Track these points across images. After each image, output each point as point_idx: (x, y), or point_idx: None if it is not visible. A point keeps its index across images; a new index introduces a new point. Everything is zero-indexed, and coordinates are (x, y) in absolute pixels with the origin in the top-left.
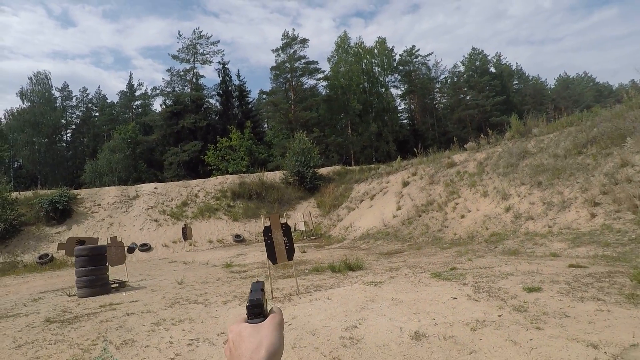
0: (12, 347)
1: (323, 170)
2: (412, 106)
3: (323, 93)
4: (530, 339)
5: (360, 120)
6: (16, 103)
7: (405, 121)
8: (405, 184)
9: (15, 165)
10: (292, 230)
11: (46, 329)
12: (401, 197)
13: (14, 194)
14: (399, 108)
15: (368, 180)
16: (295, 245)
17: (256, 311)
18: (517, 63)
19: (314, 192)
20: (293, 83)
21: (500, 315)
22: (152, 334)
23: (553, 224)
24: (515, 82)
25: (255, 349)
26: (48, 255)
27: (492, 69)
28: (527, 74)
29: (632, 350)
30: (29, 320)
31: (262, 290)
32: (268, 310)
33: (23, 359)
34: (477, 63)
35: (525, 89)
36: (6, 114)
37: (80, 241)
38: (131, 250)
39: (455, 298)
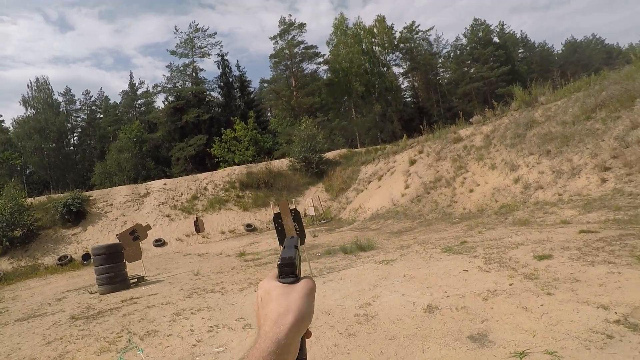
0: (42, 344)
1: (329, 155)
2: (416, 83)
3: (324, 77)
4: (541, 305)
5: (364, 102)
6: (22, 111)
7: (409, 99)
8: (412, 162)
9: (27, 172)
10: (302, 215)
11: (72, 326)
12: (409, 175)
13: (29, 200)
14: (402, 86)
15: (375, 161)
16: (306, 230)
17: (288, 270)
18: (521, 31)
19: (321, 177)
20: (293, 69)
21: (511, 284)
22: (174, 324)
23: (563, 192)
24: (520, 51)
25: (283, 312)
26: (67, 257)
27: (496, 39)
28: (532, 41)
29: None
30: (55, 318)
31: (296, 247)
32: (301, 273)
33: (54, 354)
34: (480, 34)
35: (531, 57)
36: (14, 123)
37: (134, 230)
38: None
39: (467, 270)
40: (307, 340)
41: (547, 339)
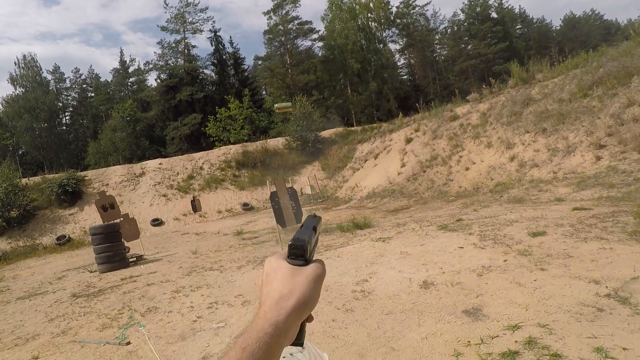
0: (45, 321)
1: (325, 133)
2: (412, 61)
3: (319, 54)
4: (535, 280)
5: (360, 80)
6: (10, 90)
7: (405, 77)
8: (409, 140)
9: (20, 152)
10: (299, 194)
11: (74, 303)
12: (405, 154)
13: (24, 180)
14: (399, 64)
15: (371, 139)
16: (302, 208)
17: (297, 252)
18: (520, 6)
19: (317, 156)
20: (288, 46)
21: (505, 260)
22: (174, 301)
23: (558, 170)
24: (518, 27)
25: (285, 294)
26: (65, 236)
27: (494, 15)
28: (531, 17)
29: (632, 283)
30: (56, 296)
31: (314, 229)
32: (314, 255)
33: (57, 331)
34: (478, 9)
35: (529, 33)
36: (3, 102)
37: (111, 204)
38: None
39: (462, 247)
40: (308, 322)
41: (540, 312)
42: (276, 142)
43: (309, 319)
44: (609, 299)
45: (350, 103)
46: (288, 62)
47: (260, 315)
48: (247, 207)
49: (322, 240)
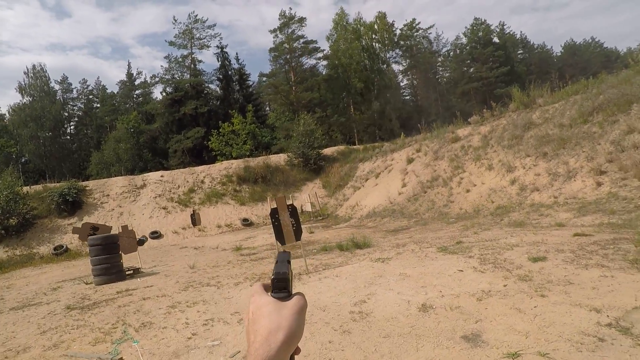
0: (37, 333)
1: (327, 151)
2: (415, 82)
3: (323, 73)
4: (535, 306)
5: (363, 99)
6: (18, 98)
7: (408, 97)
8: (410, 160)
9: (23, 160)
10: (299, 211)
11: (68, 316)
12: (406, 174)
13: (25, 189)
14: (401, 84)
15: (372, 158)
16: (302, 226)
17: (281, 285)
18: (521, 32)
19: (319, 173)
20: (293, 64)
21: (505, 285)
22: (169, 316)
23: (559, 194)
24: (520, 52)
25: (274, 329)
26: (63, 246)
27: (496, 39)
28: (532, 43)
29: (633, 313)
30: (50, 308)
31: (289, 262)
32: (293, 288)
33: (49, 344)
34: (480, 34)
35: (530, 59)
36: (10, 110)
37: (94, 227)
38: (141, 242)
39: (462, 270)
40: (295, 355)
41: (540, 340)
42: (278, 158)
43: (297, 351)
44: (610, 329)
45: (353, 122)
46: (292, 79)
47: (251, 352)
48: (246, 223)
49: (320, 259)
